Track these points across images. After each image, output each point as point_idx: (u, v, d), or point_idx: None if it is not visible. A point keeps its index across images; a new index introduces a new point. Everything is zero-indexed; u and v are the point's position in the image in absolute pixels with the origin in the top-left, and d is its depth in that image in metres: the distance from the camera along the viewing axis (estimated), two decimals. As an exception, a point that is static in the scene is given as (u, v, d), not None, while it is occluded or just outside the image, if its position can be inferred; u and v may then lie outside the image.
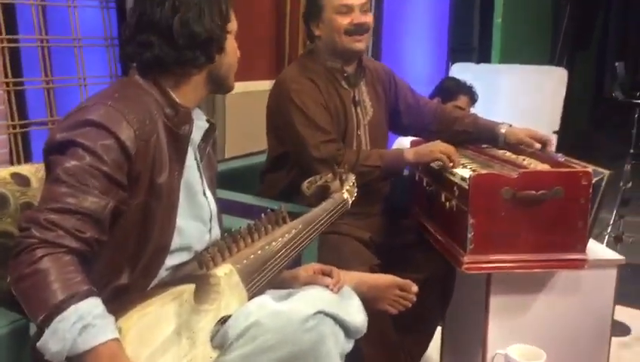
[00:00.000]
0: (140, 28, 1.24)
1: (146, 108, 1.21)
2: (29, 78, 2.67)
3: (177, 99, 1.26)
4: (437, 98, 2.78)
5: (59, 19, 2.78)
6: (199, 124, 1.35)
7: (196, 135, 1.33)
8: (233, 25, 1.33)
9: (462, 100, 2.75)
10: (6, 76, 2.51)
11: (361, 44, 2.00)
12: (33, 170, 1.46)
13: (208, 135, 1.37)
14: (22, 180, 1.43)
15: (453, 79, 2.90)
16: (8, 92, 2.53)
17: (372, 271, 1.85)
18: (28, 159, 2.63)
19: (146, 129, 1.18)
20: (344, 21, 1.96)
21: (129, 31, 1.26)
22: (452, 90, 2.78)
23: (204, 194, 1.35)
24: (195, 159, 1.34)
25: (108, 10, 2.91)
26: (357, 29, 1.97)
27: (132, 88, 1.24)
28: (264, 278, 1.28)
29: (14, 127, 2.57)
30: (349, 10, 1.96)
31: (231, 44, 1.32)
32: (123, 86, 1.28)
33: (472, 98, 2.79)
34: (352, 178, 1.64)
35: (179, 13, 1.22)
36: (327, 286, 1.34)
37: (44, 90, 2.70)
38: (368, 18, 2.00)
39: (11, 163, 2.57)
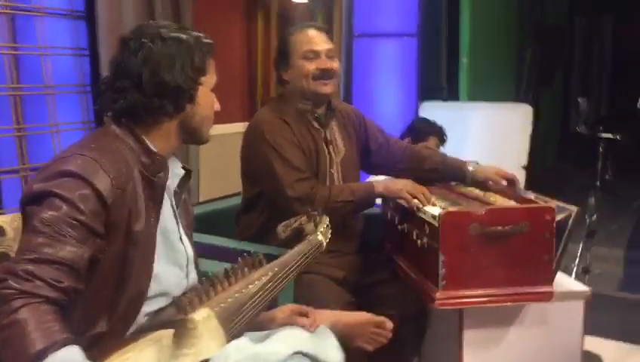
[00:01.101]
0: (116, 75, 1.28)
1: (122, 157, 1.23)
2: (1, 127, 2.66)
3: (152, 148, 1.29)
4: (407, 138, 2.86)
5: (32, 67, 2.79)
6: (175, 172, 1.37)
7: (172, 182, 1.36)
8: (210, 78, 1.35)
9: (432, 140, 2.83)
10: (-22, 125, 2.51)
11: (328, 87, 2.06)
12: (8, 220, 1.46)
13: (184, 182, 1.40)
14: (-3, 231, 1.43)
15: (424, 120, 2.98)
16: (-20, 140, 2.52)
17: (346, 309, 1.88)
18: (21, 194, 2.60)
19: (122, 178, 1.20)
20: (311, 66, 2.02)
21: (107, 80, 1.30)
22: (422, 130, 2.86)
23: (181, 239, 1.37)
24: (172, 206, 1.36)
25: (81, 57, 2.94)
26: (323, 74, 2.03)
27: (108, 138, 1.27)
28: (242, 321, 1.29)
29: (-14, 175, 2.55)
30: (315, 55, 2.03)
31: (204, 96, 1.34)
32: (99, 136, 1.31)
33: (442, 138, 2.87)
34: (325, 220, 1.68)
35: (149, 62, 1.25)
36: (303, 326, 1.37)
37: (15, 138, 2.69)
38: (334, 64, 2.06)
39: (-13, 209, 2.54)
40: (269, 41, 3.83)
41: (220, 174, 3.11)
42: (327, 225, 1.68)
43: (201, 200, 3.22)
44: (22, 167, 2.70)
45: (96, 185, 1.16)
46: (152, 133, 1.30)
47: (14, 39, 2.71)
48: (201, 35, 1.34)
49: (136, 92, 1.25)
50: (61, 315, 1.07)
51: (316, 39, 2.04)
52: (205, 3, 3.46)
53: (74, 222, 1.12)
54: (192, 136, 1.38)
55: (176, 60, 1.27)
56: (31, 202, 1.16)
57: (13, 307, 1.02)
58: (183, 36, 1.30)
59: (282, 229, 1.60)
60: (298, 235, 1.60)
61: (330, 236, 1.68)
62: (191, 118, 1.33)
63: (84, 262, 1.12)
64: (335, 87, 2.12)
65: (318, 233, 1.60)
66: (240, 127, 2.16)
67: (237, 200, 2.28)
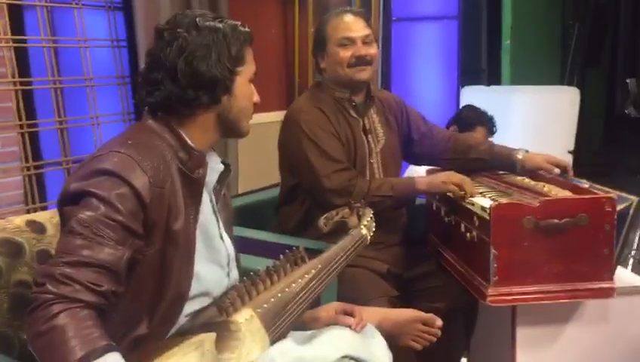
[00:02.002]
0: (150, 68, 1.24)
1: (160, 153, 1.20)
2: (43, 120, 2.68)
3: (190, 143, 1.25)
4: (453, 126, 2.74)
5: (71, 59, 2.81)
6: (214, 167, 1.33)
7: (211, 178, 1.31)
8: (247, 68, 1.30)
9: (479, 131, 2.70)
10: (20, 119, 2.53)
11: (365, 73, 1.99)
12: (48, 217, 1.45)
13: (224, 177, 1.35)
14: (37, 227, 1.41)
15: (473, 108, 2.84)
16: (22, 134, 2.54)
17: (391, 303, 1.84)
18: (43, 200, 2.64)
19: (160, 175, 1.16)
20: (346, 53, 1.97)
21: (143, 72, 1.26)
22: (470, 120, 2.74)
23: (221, 237, 1.33)
24: (211, 202, 1.32)
25: (119, 49, 2.94)
26: (359, 61, 1.97)
27: (145, 134, 1.23)
28: (285, 322, 1.25)
29: (28, 168, 2.58)
30: (351, 42, 1.97)
31: (242, 87, 1.29)
32: (136, 132, 1.27)
33: (490, 129, 2.74)
34: (369, 213, 1.62)
35: (185, 53, 1.21)
36: (349, 326, 1.31)
37: (57, 130, 2.71)
38: (372, 49, 2.00)
39: (26, 204, 2.57)
40: (307, 27, 3.79)
41: (259, 164, 3.08)
42: (371, 218, 1.63)
43: (240, 191, 3.20)
44: (64, 160, 2.72)
45: (133, 183, 1.12)
46: (189, 127, 1.26)
47: (53, 32, 2.73)
48: (238, 23, 1.29)
49: (171, 84, 1.21)
50: (101, 320, 1.04)
51: (352, 25, 1.98)
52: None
53: (112, 222, 1.08)
54: (231, 130, 1.33)
55: (212, 50, 1.22)
56: (68, 202, 1.13)
57: (52, 312, 0.99)
58: (220, 25, 1.25)
59: (324, 222, 1.55)
60: (341, 228, 1.55)
61: (374, 229, 1.62)
62: (228, 110, 1.28)
63: (124, 263, 1.09)
64: (373, 72, 2.05)
65: (362, 226, 1.56)
66: (278, 115, 2.11)
67: (277, 192, 2.23)
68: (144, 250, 1.14)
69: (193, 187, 1.24)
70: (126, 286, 1.11)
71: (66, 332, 0.98)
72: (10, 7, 2.51)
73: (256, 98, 1.34)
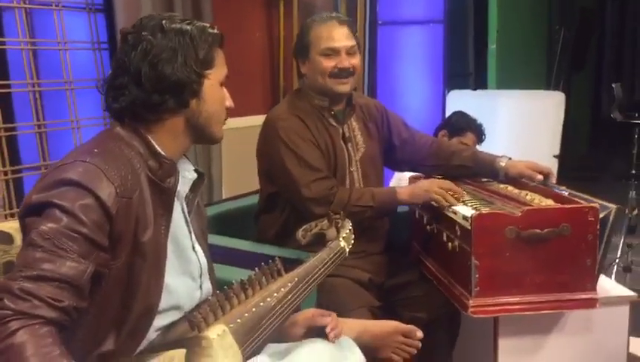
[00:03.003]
0: (116, 73, 1.21)
1: (128, 161, 1.16)
2: (22, 123, 2.63)
3: (160, 150, 1.21)
4: (443, 131, 2.74)
5: (50, 62, 2.76)
6: (186, 175, 1.29)
7: (183, 187, 1.28)
8: (218, 71, 1.26)
9: (469, 137, 2.71)
10: (-3, 122, 2.48)
11: (346, 86, 1.97)
12: (16, 227, 1.40)
13: (197, 186, 1.32)
14: (4, 238, 1.36)
15: (463, 114, 2.84)
16: (0, 138, 2.49)
17: (372, 313, 1.82)
18: (21, 204, 2.58)
19: (128, 184, 1.13)
20: (329, 64, 1.94)
21: (108, 79, 1.22)
22: (460, 125, 2.74)
23: (193, 248, 1.30)
24: (183, 212, 1.28)
25: (100, 51, 2.89)
26: (341, 73, 1.94)
27: (112, 141, 1.19)
28: (260, 337, 1.22)
29: (6, 173, 2.53)
30: (334, 53, 1.94)
31: (211, 91, 1.25)
32: (103, 139, 1.22)
33: (479, 137, 2.75)
34: (348, 225, 1.60)
35: (149, 56, 1.17)
36: (325, 326, 1.31)
37: (36, 134, 2.66)
38: (354, 60, 1.97)
39: (4, 208, 2.52)
40: (291, 29, 3.76)
41: (244, 169, 3.04)
42: (350, 230, 1.61)
43: (224, 197, 3.17)
44: (43, 164, 2.67)
45: (99, 194, 1.08)
46: (157, 133, 1.22)
47: (32, 34, 2.68)
48: (207, 25, 1.25)
49: (135, 88, 1.17)
50: (62, 337, 1.00)
51: (336, 35, 1.94)
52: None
53: (75, 234, 1.04)
54: (202, 135, 1.28)
55: (178, 53, 1.18)
56: (30, 213, 1.08)
57: (10, 329, 0.95)
58: (187, 27, 1.21)
59: (302, 234, 1.53)
60: (319, 240, 1.52)
61: (353, 242, 1.61)
62: (198, 114, 1.24)
63: (87, 278, 1.05)
64: (354, 84, 2.02)
65: (341, 239, 1.53)
66: (261, 119, 2.06)
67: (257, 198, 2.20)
68: (110, 263, 1.10)
69: (164, 197, 1.20)
70: (90, 300, 1.07)
71: (24, 350, 0.94)
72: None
73: (229, 102, 1.30)
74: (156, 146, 1.21)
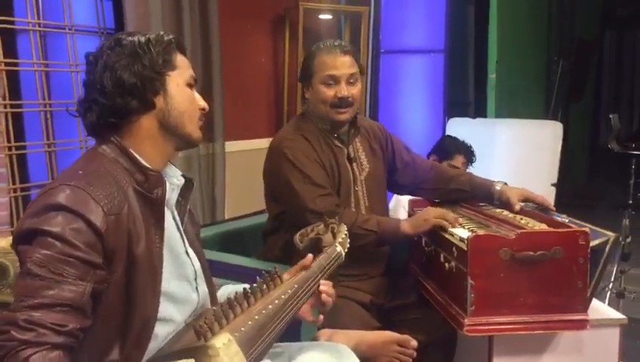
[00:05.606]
0: (85, 92, 1.26)
1: (113, 178, 1.18)
2: (32, 143, 2.70)
3: (144, 163, 1.24)
4: (433, 156, 2.82)
5: (62, 81, 2.83)
6: (174, 181, 1.33)
7: (172, 195, 1.31)
8: (181, 72, 1.29)
9: (458, 160, 2.77)
10: (9, 141, 2.55)
11: (345, 115, 2.01)
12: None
13: (186, 191, 1.35)
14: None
15: (451, 138, 2.92)
16: (10, 156, 2.56)
17: (373, 333, 1.85)
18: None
19: (115, 201, 1.15)
20: (330, 93, 1.98)
21: (78, 101, 1.27)
22: (449, 148, 2.81)
23: (187, 253, 1.33)
24: (174, 219, 1.32)
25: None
26: (341, 103, 1.98)
27: (96, 161, 1.21)
28: (263, 344, 1.25)
29: (15, 190, 2.58)
30: (335, 81, 1.98)
31: (178, 90, 1.28)
32: (87, 160, 1.24)
33: (469, 158, 2.82)
34: (344, 229, 1.62)
35: (109, 67, 1.23)
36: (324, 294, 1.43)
37: (45, 153, 2.73)
38: (354, 90, 2.01)
39: (12, 225, 2.57)
40: (296, 55, 3.84)
41: (247, 190, 3.10)
42: (346, 235, 1.62)
43: (227, 217, 3.22)
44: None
45: (87, 216, 1.10)
46: (135, 141, 1.25)
47: (45, 55, 2.76)
48: (161, 33, 1.30)
49: (101, 99, 1.22)
50: (70, 358, 1.03)
51: (338, 64, 1.99)
52: (232, 16, 3.48)
53: (69, 259, 1.06)
54: (178, 136, 1.30)
55: (134, 59, 1.24)
56: (21, 241, 1.10)
57: (21, 358, 0.98)
58: (142, 38, 1.26)
59: (299, 238, 1.55)
60: (316, 246, 1.54)
61: (348, 246, 1.62)
62: (167, 113, 1.27)
63: (87, 298, 1.07)
64: (353, 113, 2.06)
65: (337, 244, 1.55)
66: (266, 142, 2.12)
67: (263, 218, 2.25)
68: (107, 279, 1.13)
69: (154, 207, 1.23)
70: (94, 316, 1.10)
71: None
72: (3, 29, 2.54)
73: (202, 103, 1.33)
74: (140, 160, 1.24)
